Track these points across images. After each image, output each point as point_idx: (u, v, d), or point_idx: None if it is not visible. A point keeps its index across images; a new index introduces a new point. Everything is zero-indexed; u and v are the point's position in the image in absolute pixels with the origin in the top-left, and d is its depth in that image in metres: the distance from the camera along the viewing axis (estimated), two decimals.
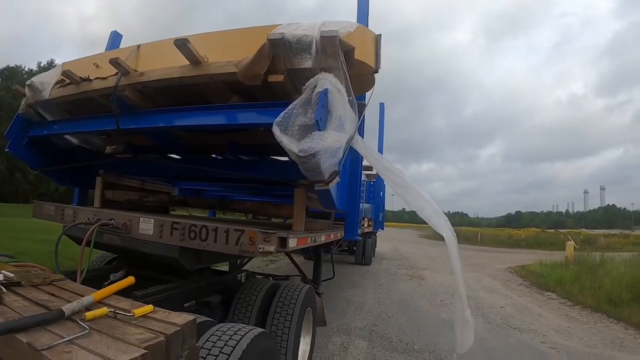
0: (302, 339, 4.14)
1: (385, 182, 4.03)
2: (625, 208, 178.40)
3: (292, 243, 3.04)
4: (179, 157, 4.92)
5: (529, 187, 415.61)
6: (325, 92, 2.61)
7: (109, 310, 1.75)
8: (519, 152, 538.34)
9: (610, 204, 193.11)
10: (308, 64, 2.75)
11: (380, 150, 11.36)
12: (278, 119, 2.61)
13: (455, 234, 3.49)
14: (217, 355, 2.39)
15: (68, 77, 3.62)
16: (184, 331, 1.65)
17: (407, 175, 3.57)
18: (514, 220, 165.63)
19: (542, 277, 12.78)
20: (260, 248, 2.73)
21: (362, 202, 6.51)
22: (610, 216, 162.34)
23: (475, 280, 12.55)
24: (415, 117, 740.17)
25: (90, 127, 3.98)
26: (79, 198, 5.15)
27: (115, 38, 5.34)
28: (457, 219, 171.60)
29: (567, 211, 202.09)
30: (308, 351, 4.47)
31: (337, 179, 3.06)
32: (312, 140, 2.56)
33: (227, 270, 5.58)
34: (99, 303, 1.87)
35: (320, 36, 2.70)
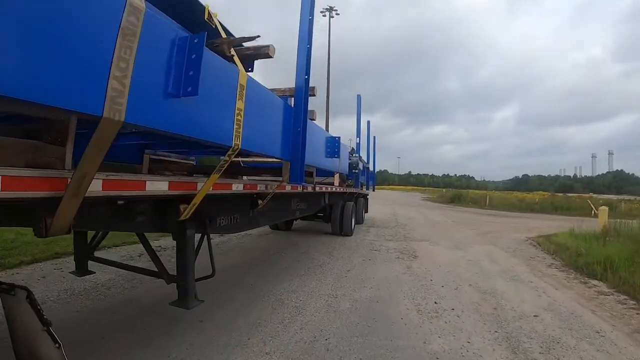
0: None
1: None
2: (633, 174, 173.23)
3: None
4: None
5: (539, 151, 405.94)
6: None
7: None
8: (532, 115, 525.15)
9: (619, 169, 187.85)
10: None
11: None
12: None
13: None
14: None
15: None
16: None
17: None
18: (521, 183, 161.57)
19: (579, 254, 9.09)
20: None
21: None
22: (619, 181, 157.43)
23: (488, 257, 8.93)
24: (429, 79, 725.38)
25: None
26: None
27: None
28: (464, 182, 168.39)
29: (574, 175, 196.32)
30: None
31: None
32: None
33: None
34: None
35: None
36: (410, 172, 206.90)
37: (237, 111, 2.85)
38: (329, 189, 8.40)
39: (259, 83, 3.44)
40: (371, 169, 17.59)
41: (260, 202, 4.36)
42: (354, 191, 11.98)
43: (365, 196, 16.28)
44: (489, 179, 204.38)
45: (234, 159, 3.13)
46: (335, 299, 5.31)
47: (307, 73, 4.39)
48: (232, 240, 9.73)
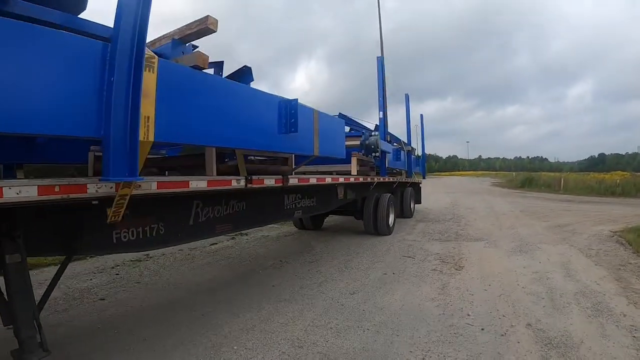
0: None
1: None
2: None
3: None
4: None
5: (615, 128, 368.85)
6: None
7: None
8: (608, 89, 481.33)
9: None
10: None
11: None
12: None
13: None
14: None
15: None
16: None
17: None
18: (598, 163, 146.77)
19: None
20: None
21: None
22: None
23: (561, 266, 6.32)
24: (499, 58, 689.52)
25: None
26: None
27: None
28: (537, 164, 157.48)
29: None
30: None
31: None
32: None
33: None
34: None
35: None
36: (480, 156, 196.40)
37: None
38: (329, 179, 6.10)
39: None
40: (418, 152, 14.92)
41: (109, 210, 2.38)
42: (388, 180, 9.60)
43: (414, 185, 13.77)
44: (563, 160, 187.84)
45: None
46: (298, 351, 3.25)
47: None
48: (239, 245, 7.96)
